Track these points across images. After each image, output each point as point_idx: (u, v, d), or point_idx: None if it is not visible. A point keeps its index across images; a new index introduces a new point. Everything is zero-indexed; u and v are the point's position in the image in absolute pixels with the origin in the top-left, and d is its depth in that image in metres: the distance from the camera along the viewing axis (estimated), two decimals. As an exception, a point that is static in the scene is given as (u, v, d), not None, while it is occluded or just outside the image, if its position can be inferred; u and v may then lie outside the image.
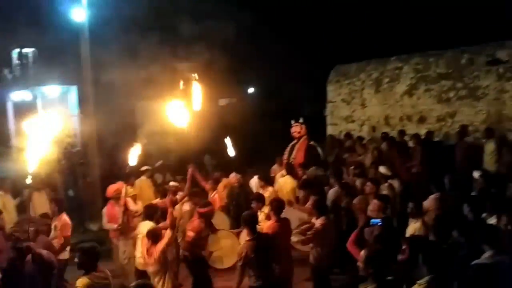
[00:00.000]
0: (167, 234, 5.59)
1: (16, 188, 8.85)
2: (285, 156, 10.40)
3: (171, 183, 8.16)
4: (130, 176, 8.14)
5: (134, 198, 7.92)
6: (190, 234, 5.98)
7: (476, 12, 13.12)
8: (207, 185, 8.23)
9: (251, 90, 25.30)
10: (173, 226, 5.74)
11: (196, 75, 7.10)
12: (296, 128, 10.40)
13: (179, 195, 7.77)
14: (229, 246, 6.34)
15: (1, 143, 22.46)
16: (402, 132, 11.51)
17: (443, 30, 13.06)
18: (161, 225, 6.09)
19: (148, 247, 5.48)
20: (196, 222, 6.16)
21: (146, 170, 9.29)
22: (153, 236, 5.52)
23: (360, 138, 12.35)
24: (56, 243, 6.53)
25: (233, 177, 8.85)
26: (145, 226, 6.12)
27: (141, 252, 6.01)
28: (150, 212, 6.34)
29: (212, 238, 6.35)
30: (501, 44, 10.87)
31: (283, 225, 5.81)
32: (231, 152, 8.50)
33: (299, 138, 10.37)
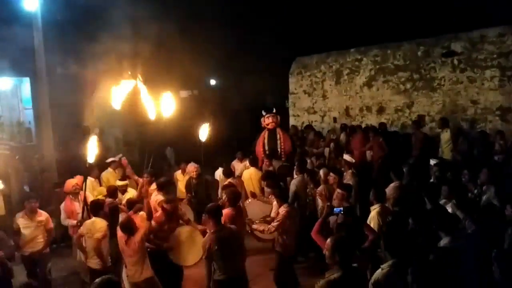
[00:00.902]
0: (145, 224, 5.66)
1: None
2: (260, 148, 10.07)
3: (119, 182, 7.94)
4: (93, 169, 7.97)
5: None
6: (152, 225, 5.90)
7: (432, 4, 13.47)
8: (140, 180, 7.74)
9: (213, 82, 25.09)
10: (149, 217, 5.83)
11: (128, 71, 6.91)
12: (273, 119, 10.13)
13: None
14: (191, 242, 6.19)
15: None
16: (366, 128, 11.60)
17: (401, 22, 13.32)
18: (130, 213, 6.06)
19: (126, 239, 5.48)
20: (159, 213, 6.09)
21: (112, 162, 9.02)
22: (128, 229, 5.51)
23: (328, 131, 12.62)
24: (42, 238, 6.58)
25: (191, 166, 8.63)
26: (94, 223, 5.97)
27: (94, 250, 5.87)
28: (96, 209, 6.16)
29: (175, 233, 6.20)
30: (455, 36, 11.21)
31: (238, 213, 5.99)
32: (202, 137, 8.40)
33: (272, 129, 10.13)
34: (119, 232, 5.62)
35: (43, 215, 6.68)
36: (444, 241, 4.26)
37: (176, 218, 6.30)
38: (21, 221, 6.49)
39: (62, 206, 7.39)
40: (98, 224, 5.98)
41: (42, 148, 11.10)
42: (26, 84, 17.34)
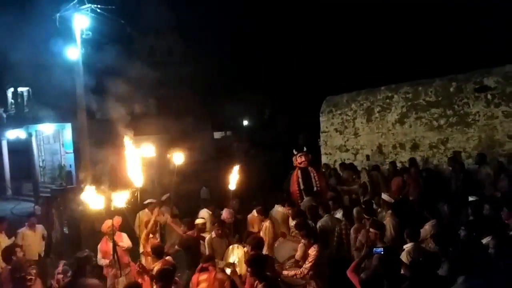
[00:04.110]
0: None
1: (11, 228, 8.79)
2: (295, 187, 9.90)
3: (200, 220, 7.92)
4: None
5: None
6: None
7: (462, 41, 13.49)
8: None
9: (245, 122, 25.55)
10: None
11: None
12: (305, 157, 10.12)
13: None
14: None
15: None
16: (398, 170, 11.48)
17: (430, 59, 13.38)
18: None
19: None
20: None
21: (149, 203, 9.18)
22: None
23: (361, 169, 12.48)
24: None
25: (226, 213, 8.51)
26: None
27: None
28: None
29: None
30: (488, 71, 11.11)
31: (268, 259, 5.71)
32: (232, 185, 8.41)
33: (304, 168, 10.09)
34: None
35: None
36: (459, 280, 4.08)
37: None
38: None
39: (99, 246, 7.60)
40: None
41: (82, 190, 11.49)
42: (68, 129, 18.12)
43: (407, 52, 15.31)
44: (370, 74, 15.21)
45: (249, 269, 4.88)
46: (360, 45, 17.53)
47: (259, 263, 4.85)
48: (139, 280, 5.69)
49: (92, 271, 5.41)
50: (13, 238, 8.56)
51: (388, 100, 13.34)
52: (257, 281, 4.79)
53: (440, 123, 11.99)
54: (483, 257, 4.40)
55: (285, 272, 6.06)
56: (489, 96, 10.95)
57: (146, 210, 9.09)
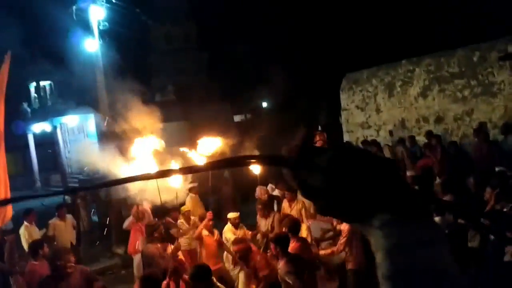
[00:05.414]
0: None
1: (41, 219, 9.05)
2: None
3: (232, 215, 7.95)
4: None
5: (188, 213, 7.81)
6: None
7: (484, 8, 13.06)
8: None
9: (264, 104, 25.49)
10: None
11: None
12: (321, 137, 10.10)
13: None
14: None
15: (25, 174, 22.91)
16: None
17: (452, 29, 13.01)
18: None
19: None
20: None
21: (193, 187, 9.23)
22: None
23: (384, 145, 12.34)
24: None
25: (260, 189, 8.57)
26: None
27: None
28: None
29: None
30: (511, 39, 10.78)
31: (303, 243, 5.70)
32: (256, 169, 8.27)
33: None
34: None
35: None
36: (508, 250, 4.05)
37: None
38: None
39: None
40: None
41: (107, 178, 11.70)
42: (91, 120, 18.41)
43: (427, 23, 14.90)
44: (389, 48, 14.89)
45: (274, 245, 5.04)
46: (378, 18, 17.17)
47: (283, 241, 5.05)
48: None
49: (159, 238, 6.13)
50: (44, 230, 8.83)
51: (409, 74, 13.07)
52: (280, 258, 4.94)
53: (464, 94, 11.72)
54: None
55: (322, 252, 6.14)
56: (514, 64, 10.64)
57: (191, 194, 9.13)
